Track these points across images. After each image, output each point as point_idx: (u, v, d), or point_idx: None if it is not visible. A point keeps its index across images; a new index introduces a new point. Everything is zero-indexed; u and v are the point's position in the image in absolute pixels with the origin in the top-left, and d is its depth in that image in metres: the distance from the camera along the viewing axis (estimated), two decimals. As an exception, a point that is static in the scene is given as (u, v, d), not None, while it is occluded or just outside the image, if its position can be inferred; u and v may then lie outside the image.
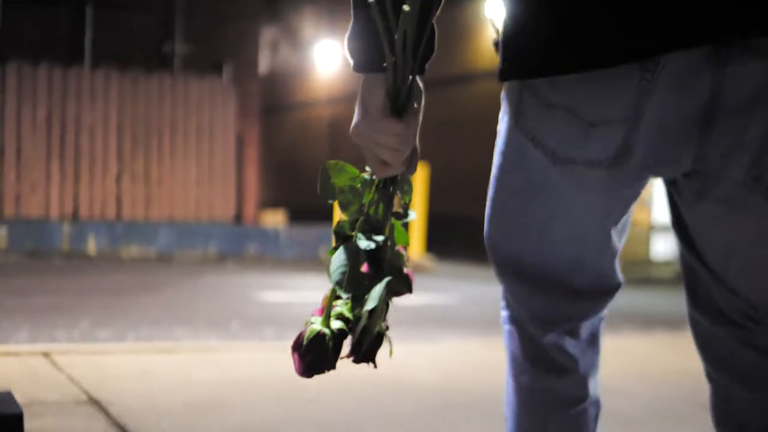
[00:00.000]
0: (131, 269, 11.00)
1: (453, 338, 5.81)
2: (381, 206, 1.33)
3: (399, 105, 1.27)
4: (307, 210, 20.19)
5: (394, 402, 3.47)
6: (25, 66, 12.64)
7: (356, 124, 1.30)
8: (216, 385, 3.59)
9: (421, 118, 1.32)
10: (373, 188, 1.34)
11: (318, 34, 21.95)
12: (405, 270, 1.36)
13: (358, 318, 1.31)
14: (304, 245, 13.27)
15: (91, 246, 12.29)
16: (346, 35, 1.37)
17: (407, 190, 1.37)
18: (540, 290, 1.42)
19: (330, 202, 1.38)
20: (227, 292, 8.82)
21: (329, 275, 1.32)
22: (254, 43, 14.88)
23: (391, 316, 1.42)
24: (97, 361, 3.97)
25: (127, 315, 6.39)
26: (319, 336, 1.27)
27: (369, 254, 1.32)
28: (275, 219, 13.84)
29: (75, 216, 12.78)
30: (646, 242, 19.40)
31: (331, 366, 1.29)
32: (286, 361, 1.51)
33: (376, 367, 1.33)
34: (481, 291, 10.04)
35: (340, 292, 1.31)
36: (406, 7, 1.20)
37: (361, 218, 1.33)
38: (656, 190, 19.29)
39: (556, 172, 1.31)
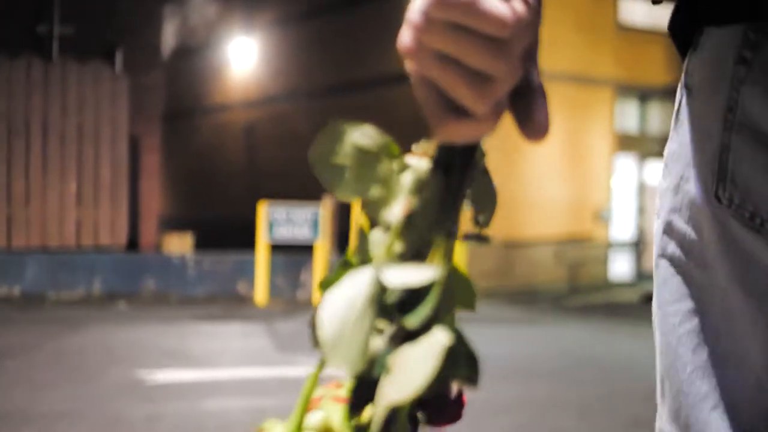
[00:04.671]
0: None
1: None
2: (432, 208, 0.65)
3: None
4: (222, 231, 17.60)
5: None
6: None
7: (418, 9, 0.60)
8: None
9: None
10: (425, 174, 0.66)
11: (233, 30, 19.67)
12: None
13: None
14: (219, 278, 10.45)
15: (-67, 285, 9.31)
16: None
17: (485, 213, 0.70)
18: None
19: (338, 196, 0.66)
20: (103, 367, 5.92)
21: (315, 335, 0.59)
22: (155, 24, 11.96)
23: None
24: None
25: None
26: None
27: (401, 302, 0.61)
28: (181, 245, 10.91)
29: None
30: (604, 262, 17.32)
31: None
32: None
33: None
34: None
35: (340, 371, 0.62)
36: None
37: (395, 227, 0.64)
38: (615, 203, 17.39)
39: None
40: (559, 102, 15.45)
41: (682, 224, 0.86)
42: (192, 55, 22.01)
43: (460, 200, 0.67)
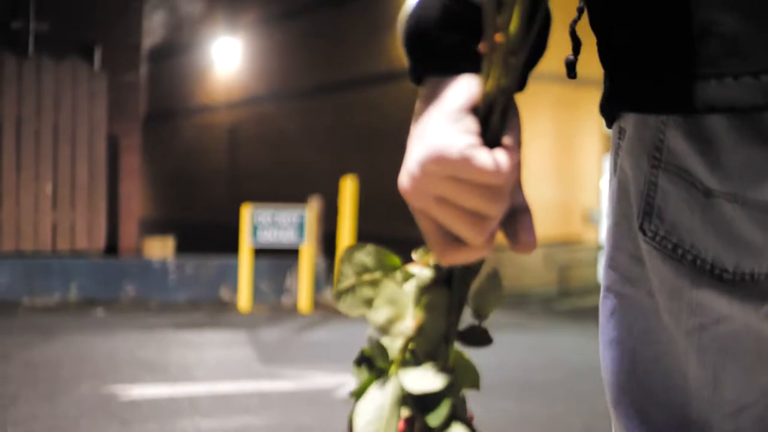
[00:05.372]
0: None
1: None
2: (438, 316, 0.77)
3: (487, 137, 0.71)
4: (205, 234, 17.22)
5: None
6: None
7: (427, 150, 0.69)
8: None
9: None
10: (428, 287, 0.78)
11: (216, 30, 19.33)
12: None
13: None
14: (201, 283, 10.11)
15: None
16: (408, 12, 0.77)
17: (486, 308, 0.80)
18: None
19: (349, 314, 0.81)
20: (75, 381, 5.56)
21: None
22: (135, 21, 11.58)
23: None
24: None
25: None
26: None
27: (418, 400, 0.76)
28: (162, 249, 10.55)
29: None
30: (594, 265, 17.06)
31: None
32: None
33: None
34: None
35: None
36: None
37: (406, 338, 0.77)
38: (604, 204, 17.11)
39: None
40: (547, 102, 15.15)
41: (625, 258, 0.89)
42: (175, 55, 21.64)
43: (462, 306, 0.76)
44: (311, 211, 10.18)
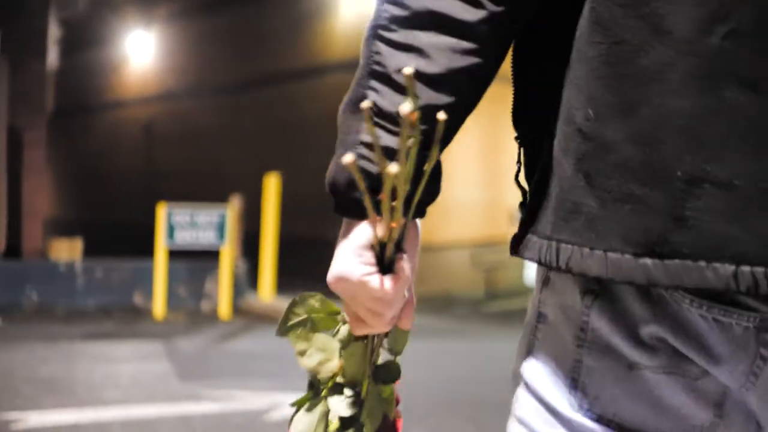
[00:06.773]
0: None
1: None
2: (356, 360, 1.08)
3: (384, 262, 0.99)
4: (117, 236, 16.35)
5: None
6: None
7: (334, 272, 1.00)
8: None
9: (412, 270, 1.03)
10: (349, 340, 1.08)
11: (130, 24, 18.52)
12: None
13: None
14: (112, 288, 9.35)
15: None
16: (336, 158, 1.01)
17: (397, 346, 1.09)
18: None
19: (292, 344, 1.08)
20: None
21: None
22: (42, 7, 10.71)
23: None
24: None
25: None
26: None
27: (342, 419, 1.07)
28: (70, 251, 9.72)
29: None
30: (520, 266, 16.75)
31: None
32: None
33: None
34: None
35: None
36: (392, 169, 0.89)
37: (335, 370, 1.08)
38: (531, 206, 16.77)
39: None
40: (474, 100, 14.72)
41: None
42: (86, 48, 20.69)
43: (374, 351, 1.05)
44: (232, 211, 9.50)
